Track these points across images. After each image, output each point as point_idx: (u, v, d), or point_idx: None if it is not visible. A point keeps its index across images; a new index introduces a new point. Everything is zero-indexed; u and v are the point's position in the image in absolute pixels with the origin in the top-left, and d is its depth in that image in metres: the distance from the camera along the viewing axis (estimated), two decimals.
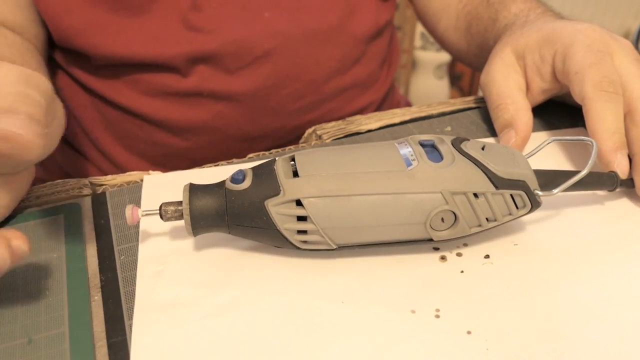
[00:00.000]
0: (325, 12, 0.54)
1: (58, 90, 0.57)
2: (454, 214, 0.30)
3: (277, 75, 0.54)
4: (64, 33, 0.50)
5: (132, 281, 0.32)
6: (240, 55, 0.52)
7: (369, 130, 0.44)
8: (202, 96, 0.53)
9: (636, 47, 0.51)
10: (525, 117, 0.39)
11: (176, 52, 0.50)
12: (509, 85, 0.41)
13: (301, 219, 0.30)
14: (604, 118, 0.34)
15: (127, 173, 0.40)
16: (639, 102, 0.35)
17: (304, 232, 0.30)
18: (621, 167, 0.34)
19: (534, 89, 0.41)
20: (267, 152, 0.42)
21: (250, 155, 0.42)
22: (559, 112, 0.46)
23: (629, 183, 0.36)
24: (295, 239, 0.30)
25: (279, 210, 0.29)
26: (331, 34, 0.55)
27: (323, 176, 0.30)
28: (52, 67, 0.57)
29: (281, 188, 0.30)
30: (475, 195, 0.30)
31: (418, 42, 1.55)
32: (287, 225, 0.30)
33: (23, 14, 0.49)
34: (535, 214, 0.35)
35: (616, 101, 0.35)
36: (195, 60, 0.51)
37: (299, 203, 0.29)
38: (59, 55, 0.54)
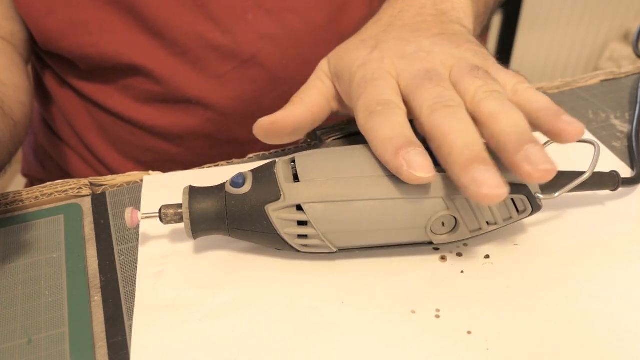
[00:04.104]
0: (311, 12, 0.53)
1: (51, 95, 0.57)
2: (455, 218, 0.30)
3: (266, 79, 0.53)
4: (48, 35, 0.49)
5: (132, 281, 0.32)
6: (226, 59, 0.51)
7: None
8: (192, 103, 0.53)
9: (636, 47, 0.51)
10: (288, 111, 0.36)
11: (161, 52, 0.50)
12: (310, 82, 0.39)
13: (302, 223, 0.30)
14: (376, 132, 0.30)
15: (127, 173, 0.40)
16: (474, 106, 0.30)
17: (305, 236, 0.30)
18: (408, 164, 0.28)
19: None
20: (267, 152, 0.42)
21: (250, 155, 0.42)
22: None
23: (630, 182, 0.36)
24: (296, 242, 0.30)
25: (279, 215, 0.29)
26: (318, 34, 0.54)
27: (323, 181, 0.29)
28: (45, 72, 0.56)
29: (282, 193, 0.29)
30: None
31: None
32: (287, 230, 0.30)
33: None
34: (536, 214, 0.35)
35: (386, 114, 0.31)
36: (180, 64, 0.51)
37: (299, 208, 0.29)
38: (51, 60, 0.54)
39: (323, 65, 0.39)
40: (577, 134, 0.29)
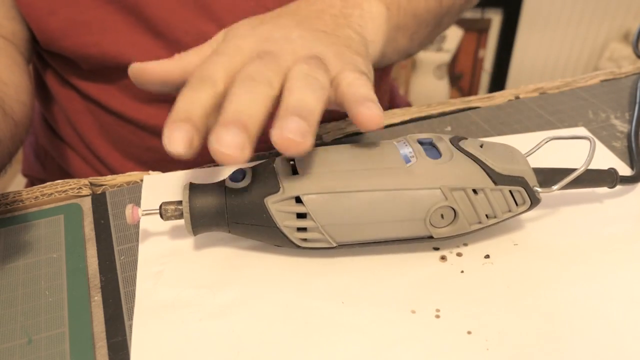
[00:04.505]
0: None
1: (52, 94, 0.57)
2: (454, 210, 0.30)
3: None
4: (49, 35, 0.49)
5: (132, 281, 0.32)
6: None
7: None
8: None
9: (636, 47, 0.51)
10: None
11: (163, 52, 0.50)
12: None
13: (301, 216, 0.30)
14: (176, 103, 0.30)
15: (127, 173, 0.40)
16: (286, 84, 0.31)
17: (304, 229, 0.30)
18: (168, 138, 0.28)
19: None
20: (266, 152, 0.42)
21: None
22: (559, 112, 0.46)
23: (630, 180, 0.36)
24: (295, 236, 0.30)
25: (278, 208, 0.29)
26: None
27: (322, 173, 0.30)
28: (47, 72, 0.56)
29: (280, 185, 0.30)
30: (475, 191, 0.30)
31: None
32: (286, 223, 0.30)
33: None
34: (535, 213, 0.35)
35: (194, 89, 0.31)
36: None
37: (298, 200, 0.29)
38: (52, 60, 0.54)
39: (220, 34, 0.39)
40: (373, 119, 0.29)
